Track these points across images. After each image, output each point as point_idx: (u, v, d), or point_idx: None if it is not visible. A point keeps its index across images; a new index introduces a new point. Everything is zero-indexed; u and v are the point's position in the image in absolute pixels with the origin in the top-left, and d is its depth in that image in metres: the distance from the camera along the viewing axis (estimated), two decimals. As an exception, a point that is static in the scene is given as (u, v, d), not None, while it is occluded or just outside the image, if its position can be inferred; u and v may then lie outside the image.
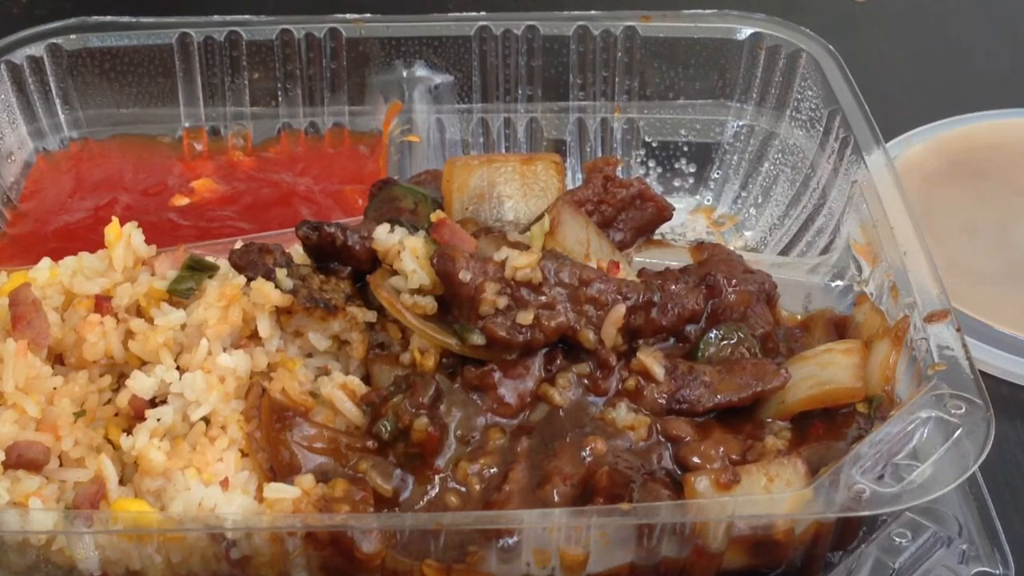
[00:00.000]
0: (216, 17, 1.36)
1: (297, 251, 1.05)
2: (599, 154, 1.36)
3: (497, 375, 0.97)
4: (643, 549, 0.89)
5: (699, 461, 0.94)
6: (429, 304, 0.98)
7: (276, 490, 0.91)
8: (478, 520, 0.90)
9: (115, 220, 1.04)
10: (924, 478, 0.84)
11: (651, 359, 0.98)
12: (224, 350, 0.97)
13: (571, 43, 1.35)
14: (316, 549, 0.89)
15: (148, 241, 1.04)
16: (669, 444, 0.96)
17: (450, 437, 0.95)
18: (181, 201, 1.32)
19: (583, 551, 0.90)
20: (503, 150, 1.36)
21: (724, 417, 0.99)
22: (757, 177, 1.33)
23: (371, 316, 1.01)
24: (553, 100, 1.37)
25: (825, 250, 1.18)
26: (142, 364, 0.98)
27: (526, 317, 0.95)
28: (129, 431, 0.95)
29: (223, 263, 1.03)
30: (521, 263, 0.96)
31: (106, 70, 1.36)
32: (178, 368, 0.97)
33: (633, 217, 1.11)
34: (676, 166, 1.37)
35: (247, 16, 1.36)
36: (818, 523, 0.91)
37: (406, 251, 0.99)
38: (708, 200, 1.35)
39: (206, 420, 0.95)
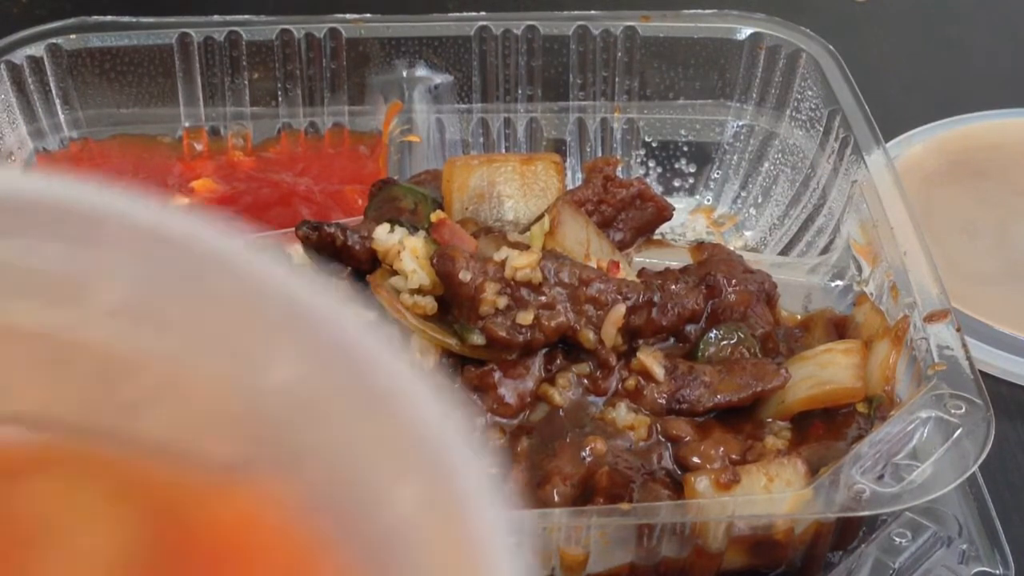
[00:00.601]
0: (216, 17, 1.36)
1: (297, 251, 1.05)
2: (599, 154, 1.36)
3: (497, 375, 0.97)
4: (643, 549, 0.89)
5: (699, 461, 0.94)
6: (429, 304, 0.98)
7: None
8: (478, 520, 0.90)
9: (115, 220, 1.04)
10: (924, 478, 0.84)
11: (651, 359, 0.98)
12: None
13: (571, 43, 1.34)
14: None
15: (148, 241, 1.04)
16: (669, 444, 0.96)
17: (450, 437, 0.95)
18: (181, 201, 1.32)
19: (583, 551, 0.89)
20: (503, 150, 1.36)
21: (724, 417, 0.98)
22: (757, 177, 1.32)
23: (371, 316, 1.01)
24: (553, 100, 1.37)
25: (825, 250, 1.18)
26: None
27: (526, 317, 0.95)
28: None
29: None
30: (521, 263, 0.96)
31: (106, 70, 1.35)
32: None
33: (633, 217, 1.11)
34: (676, 166, 1.37)
35: (247, 16, 1.36)
36: (818, 523, 0.91)
37: (406, 251, 0.99)
38: (708, 200, 1.35)
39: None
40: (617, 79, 1.36)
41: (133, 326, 0.41)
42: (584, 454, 0.93)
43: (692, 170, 1.36)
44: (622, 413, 0.96)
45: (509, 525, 0.36)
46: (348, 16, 1.36)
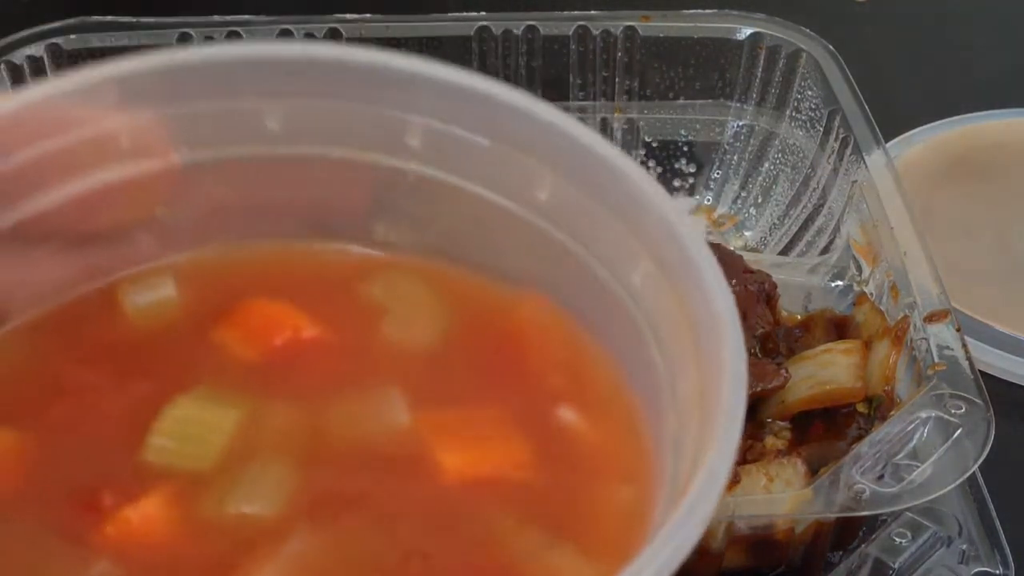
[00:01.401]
0: (216, 17, 1.35)
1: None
2: (599, 154, 1.35)
3: (498, 375, 0.96)
4: (643, 549, 0.89)
5: (699, 461, 0.94)
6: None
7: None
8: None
9: (115, 220, 1.04)
10: (924, 478, 0.84)
11: (651, 359, 0.98)
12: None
13: (571, 43, 1.34)
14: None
15: (148, 241, 1.04)
16: (669, 444, 0.96)
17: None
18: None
19: (583, 551, 0.89)
20: (503, 150, 1.35)
21: (724, 417, 0.98)
22: (757, 177, 1.32)
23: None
24: (553, 100, 1.35)
25: (825, 250, 1.18)
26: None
27: (526, 317, 0.95)
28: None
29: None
30: (521, 263, 0.96)
31: (106, 70, 1.35)
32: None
33: (633, 217, 1.10)
34: (676, 166, 1.37)
35: (247, 16, 1.36)
36: (818, 523, 0.91)
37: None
38: (708, 200, 1.35)
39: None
40: (617, 79, 1.36)
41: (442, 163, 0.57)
42: (584, 454, 0.93)
43: (692, 170, 1.36)
44: (622, 413, 0.96)
45: (727, 299, 0.47)
46: (348, 16, 1.36)
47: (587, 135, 0.53)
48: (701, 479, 0.42)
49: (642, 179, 0.52)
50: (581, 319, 0.56)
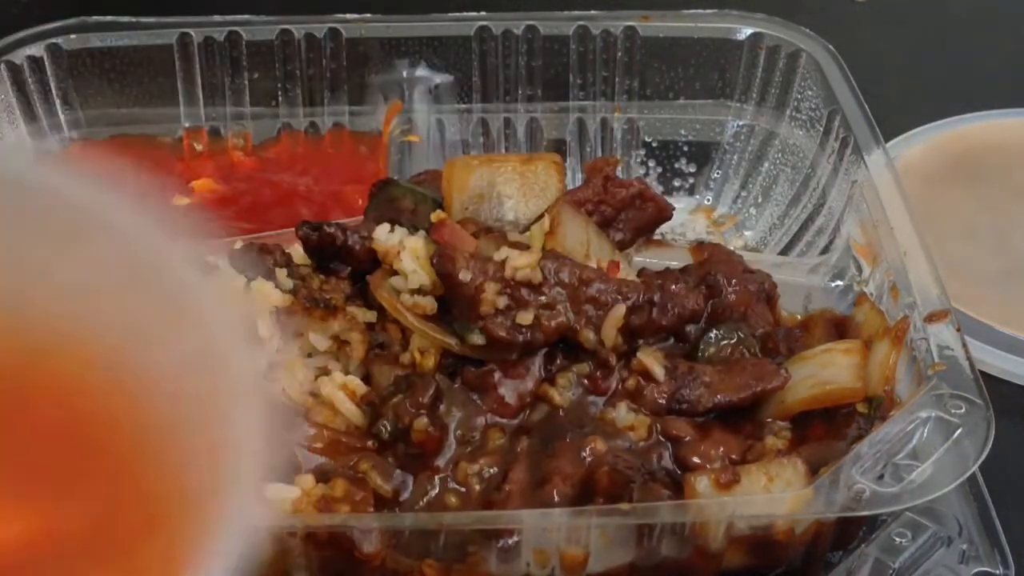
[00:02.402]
0: (216, 17, 1.35)
1: (297, 251, 1.05)
2: (599, 154, 1.36)
3: (497, 375, 0.97)
4: (643, 549, 0.89)
5: (699, 461, 0.94)
6: (429, 304, 0.98)
7: (276, 490, 0.91)
8: (478, 520, 0.90)
9: (115, 220, 1.04)
10: (924, 478, 0.84)
11: (651, 359, 0.98)
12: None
13: (571, 43, 1.34)
14: (316, 549, 0.89)
15: (148, 241, 1.04)
16: (669, 444, 0.96)
17: (450, 437, 0.95)
18: (181, 201, 1.32)
19: (583, 551, 0.89)
20: (503, 150, 1.35)
21: (724, 417, 0.98)
22: (757, 177, 1.32)
23: (371, 316, 1.00)
24: (553, 100, 1.36)
25: (825, 250, 1.18)
26: (142, 364, 0.98)
27: (526, 317, 0.95)
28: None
29: (223, 263, 1.03)
30: (521, 263, 0.96)
31: (106, 70, 1.35)
32: (178, 368, 0.97)
33: (633, 217, 1.11)
34: (676, 166, 1.37)
35: (247, 16, 1.36)
36: (818, 523, 0.91)
37: (406, 251, 0.99)
38: (708, 200, 1.35)
39: (206, 420, 0.96)
40: (617, 79, 1.36)
41: None
42: (584, 454, 0.93)
43: (692, 170, 1.36)
44: (622, 413, 0.96)
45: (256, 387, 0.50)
46: (348, 16, 1.36)
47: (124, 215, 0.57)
48: None
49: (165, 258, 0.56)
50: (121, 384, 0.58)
